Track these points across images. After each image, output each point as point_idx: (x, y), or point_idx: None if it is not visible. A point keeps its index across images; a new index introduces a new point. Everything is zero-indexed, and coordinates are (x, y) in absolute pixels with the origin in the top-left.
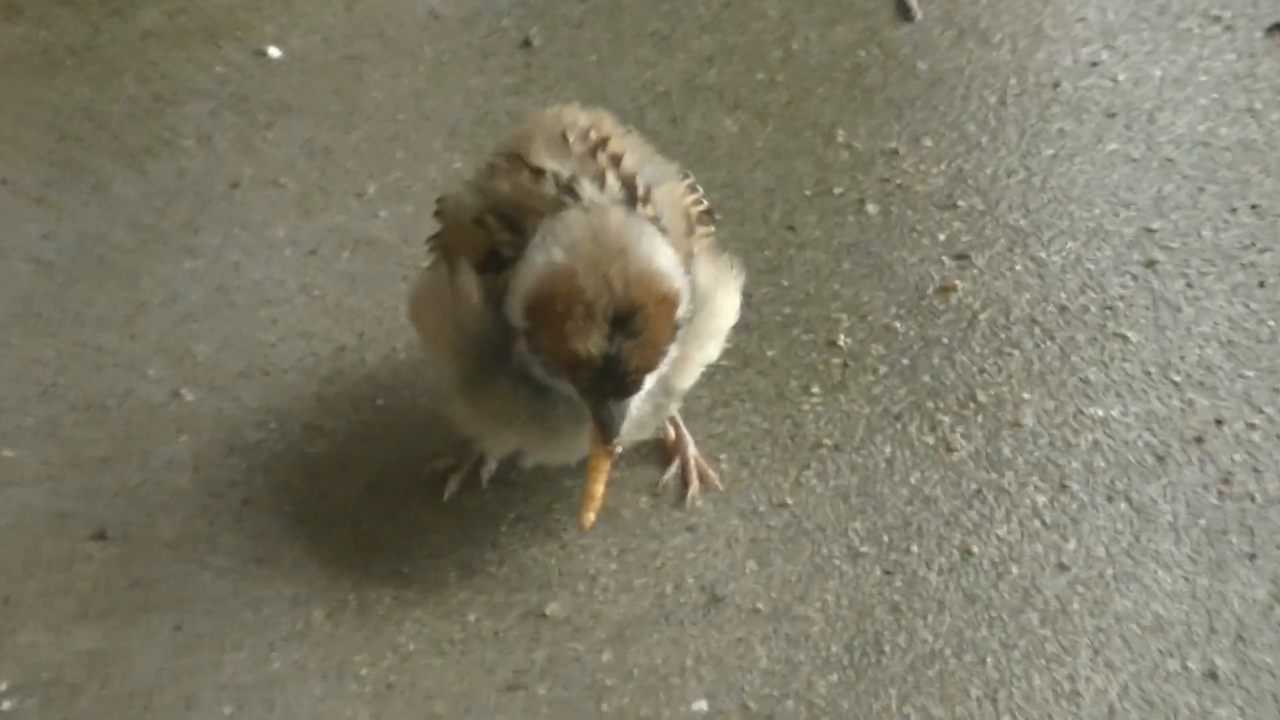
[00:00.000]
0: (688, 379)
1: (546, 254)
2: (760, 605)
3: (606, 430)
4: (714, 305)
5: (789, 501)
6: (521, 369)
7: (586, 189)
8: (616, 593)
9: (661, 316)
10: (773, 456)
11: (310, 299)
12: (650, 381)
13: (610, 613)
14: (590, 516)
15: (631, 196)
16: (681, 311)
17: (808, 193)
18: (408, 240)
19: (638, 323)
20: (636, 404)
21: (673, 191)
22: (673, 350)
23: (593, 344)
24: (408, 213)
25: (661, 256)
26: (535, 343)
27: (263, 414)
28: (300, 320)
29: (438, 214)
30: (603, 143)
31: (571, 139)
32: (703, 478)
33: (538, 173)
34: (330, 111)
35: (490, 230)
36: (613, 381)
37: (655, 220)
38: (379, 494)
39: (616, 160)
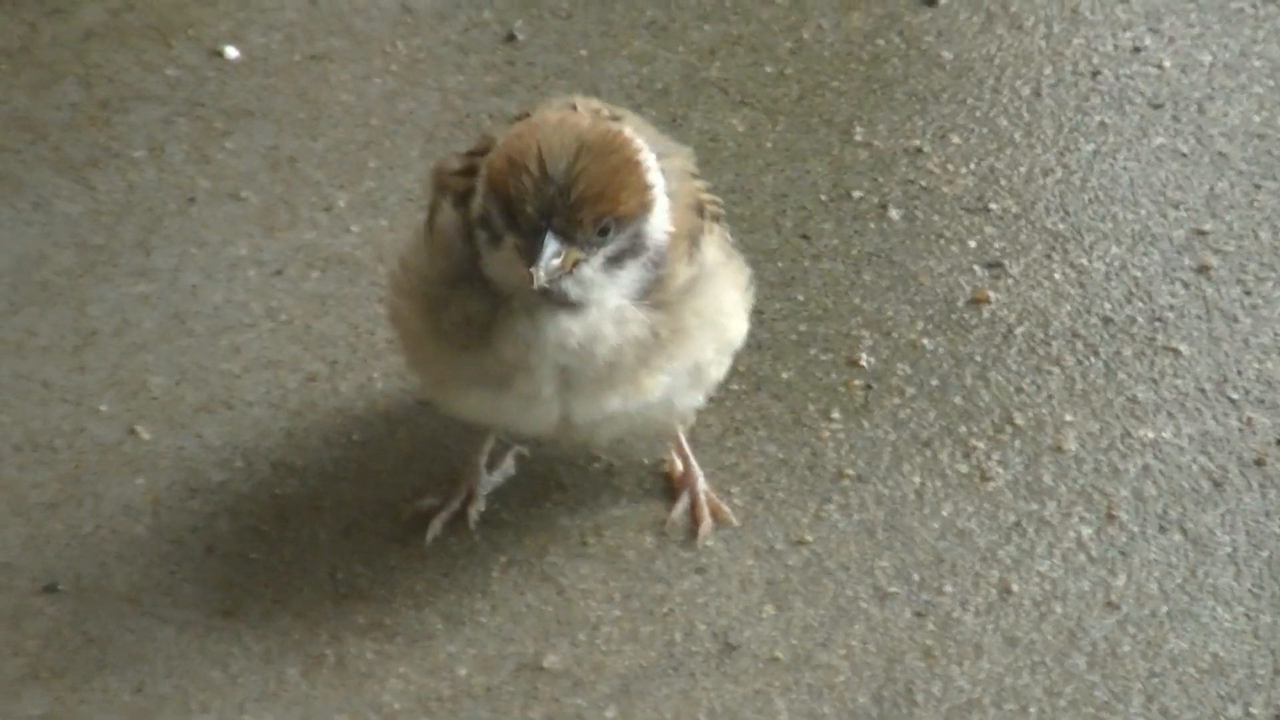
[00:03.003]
0: (678, 365)
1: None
2: (779, 653)
3: (532, 255)
4: (718, 292)
5: (809, 538)
6: (487, 276)
7: None
8: (621, 642)
9: (627, 169)
10: (790, 489)
11: (276, 324)
12: (605, 268)
13: (614, 664)
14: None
15: None
16: (656, 204)
17: (823, 197)
18: (382, 258)
19: (600, 158)
20: (600, 309)
21: (684, 174)
22: (640, 242)
23: (544, 153)
24: (381, 227)
25: (638, 137)
26: (486, 190)
27: (226, 452)
28: (265, 348)
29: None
30: (614, 118)
31: (579, 107)
32: (714, 514)
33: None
34: (294, 117)
35: (472, 172)
36: (559, 203)
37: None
38: (356, 538)
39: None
